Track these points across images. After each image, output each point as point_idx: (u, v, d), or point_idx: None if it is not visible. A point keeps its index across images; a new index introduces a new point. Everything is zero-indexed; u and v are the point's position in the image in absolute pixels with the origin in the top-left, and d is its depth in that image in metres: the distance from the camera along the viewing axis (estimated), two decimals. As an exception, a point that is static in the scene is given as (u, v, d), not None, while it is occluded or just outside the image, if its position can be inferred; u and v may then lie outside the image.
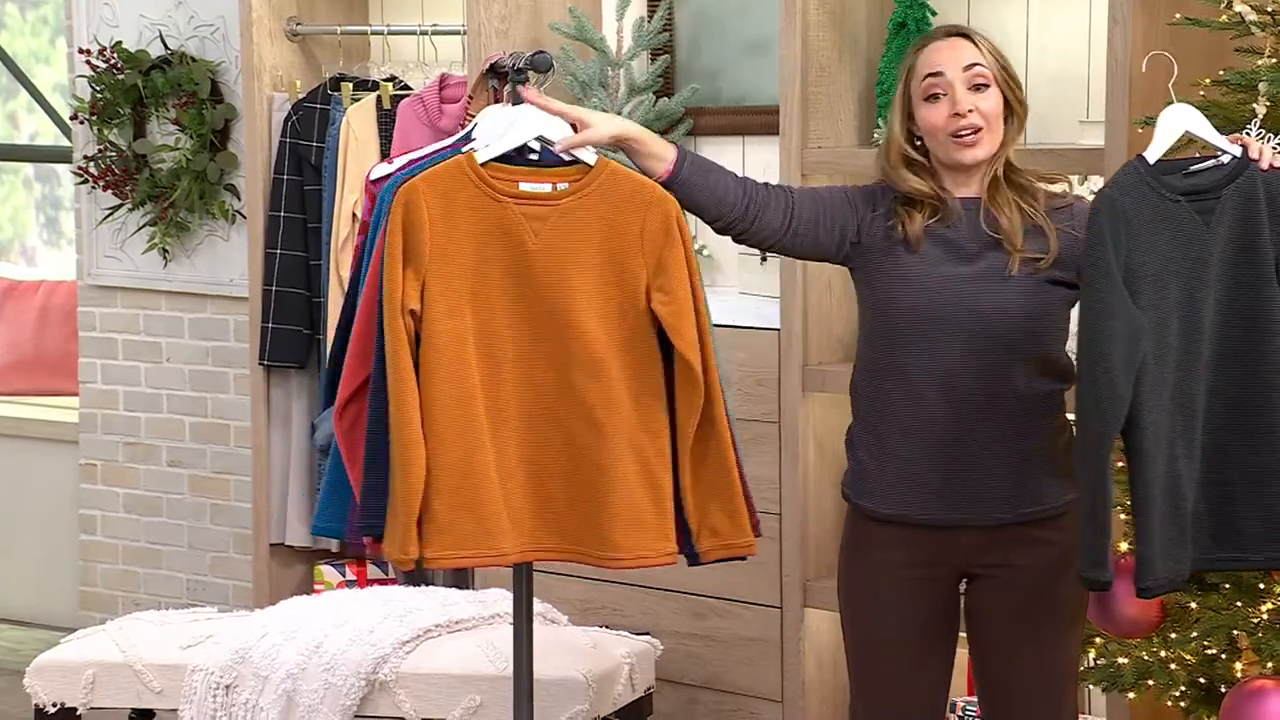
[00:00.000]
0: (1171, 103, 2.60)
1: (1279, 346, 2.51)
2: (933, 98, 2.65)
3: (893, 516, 2.68)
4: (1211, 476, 2.53)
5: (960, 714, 3.46)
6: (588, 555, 2.62)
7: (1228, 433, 2.52)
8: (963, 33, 2.68)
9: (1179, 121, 2.59)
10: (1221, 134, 2.78)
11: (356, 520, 2.65)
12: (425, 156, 2.74)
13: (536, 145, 2.65)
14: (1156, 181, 2.53)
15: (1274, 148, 2.59)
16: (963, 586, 2.72)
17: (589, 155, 2.63)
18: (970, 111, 2.63)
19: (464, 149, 2.68)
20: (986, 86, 2.64)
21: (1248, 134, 2.74)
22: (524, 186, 2.61)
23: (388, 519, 2.60)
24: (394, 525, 2.59)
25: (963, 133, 2.64)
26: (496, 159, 2.62)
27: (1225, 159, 2.56)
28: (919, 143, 2.69)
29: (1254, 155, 2.54)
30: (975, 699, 3.46)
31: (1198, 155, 2.59)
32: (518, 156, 2.64)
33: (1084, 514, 2.48)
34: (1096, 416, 2.46)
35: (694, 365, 2.58)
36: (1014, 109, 2.68)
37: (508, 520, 2.60)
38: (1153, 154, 2.55)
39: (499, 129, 2.64)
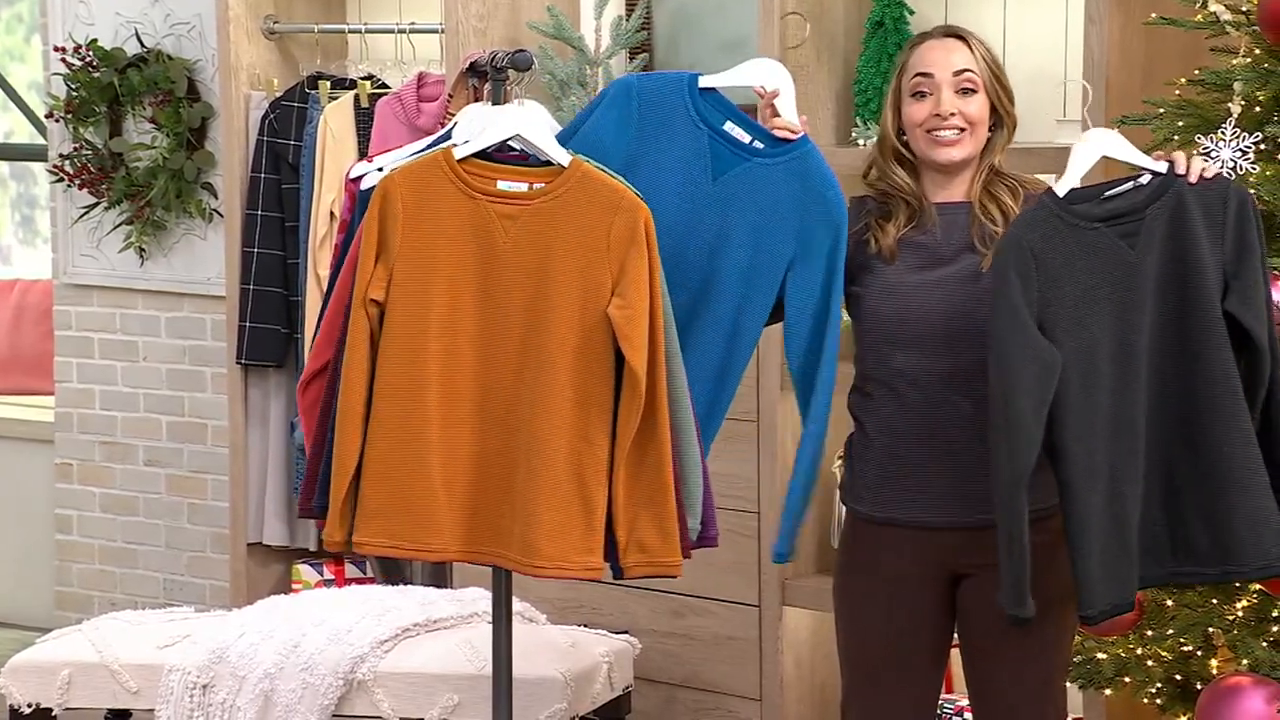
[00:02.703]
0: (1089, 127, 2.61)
1: (1223, 361, 2.50)
2: (919, 95, 2.68)
3: (881, 518, 2.70)
4: (1166, 492, 2.52)
5: (938, 711, 3.47)
6: (512, 560, 2.60)
7: (1177, 449, 2.52)
8: (959, 34, 2.71)
9: (1094, 148, 2.57)
10: (1200, 134, 2.80)
11: (305, 496, 2.68)
12: (407, 159, 2.74)
13: (516, 145, 2.65)
14: (1067, 213, 2.51)
15: (1204, 158, 2.56)
16: (959, 587, 2.73)
17: (564, 156, 2.63)
18: (953, 114, 2.66)
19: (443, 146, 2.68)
20: (974, 92, 2.67)
21: (1222, 133, 2.75)
22: (501, 185, 2.61)
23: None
24: (329, 508, 2.61)
25: (941, 132, 2.66)
26: (481, 156, 2.62)
27: (1145, 179, 2.53)
28: (906, 137, 2.72)
29: (1180, 170, 2.53)
30: (954, 696, 3.48)
31: (1117, 178, 2.57)
32: (501, 155, 2.64)
33: (1003, 554, 2.49)
34: (1009, 462, 2.47)
35: (639, 374, 2.55)
36: (1002, 116, 2.70)
37: (447, 517, 2.60)
38: (1062, 186, 2.54)
39: (478, 127, 2.64)
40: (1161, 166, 2.54)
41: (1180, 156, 2.55)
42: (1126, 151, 2.57)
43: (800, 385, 2.69)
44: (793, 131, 2.67)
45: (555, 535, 2.56)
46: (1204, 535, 2.51)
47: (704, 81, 2.70)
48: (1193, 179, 2.53)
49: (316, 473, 2.66)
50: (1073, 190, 2.54)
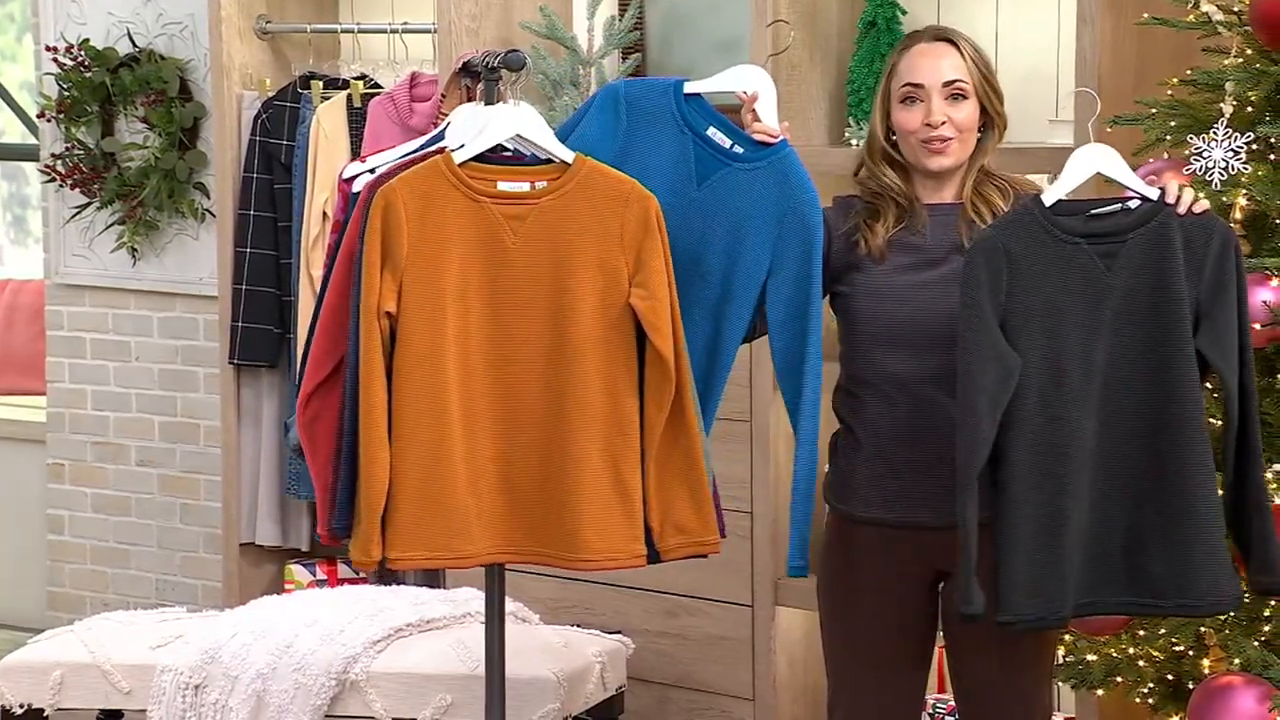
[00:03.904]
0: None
1: (1194, 394, 2.49)
2: (909, 100, 2.69)
3: (867, 518, 2.70)
4: (1128, 520, 2.52)
5: (931, 711, 3.47)
6: (556, 557, 2.61)
7: (1139, 477, 2.51)
8: (948, 38, 2.71)
9: (1089, 163, 2.55)
10: (1192, 134, 2.80)
11: (328, 520, 2.64)
12: (400, 159, 2.74)
13: (510, 145, 2.65)
14: (1050, 223, 2.51)
15: (1196, 191, 2.55)
16: (940, 587, 2.73)
17: (567, 153, 2.63)
18: (943, 123, 2.66)
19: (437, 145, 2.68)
20: (964, 98, 2.67)
21: (1214, 133, 2.76)
22: (502, 186, 2.61)
23: (356, 520, 2.60)
24: (358, 526, 2.59)
25: (932, 141, 2.67)
26: (474, 158, 2.62)
27: (1134, 203, 2.53)
28: (896, 138, 2.73)
29: (1171, 200, 2.52)
30: (946, 696, 3.48)
31: (1106, 197, 2.56)
32: (494, 155, 2.64)
33: (963, 547, 2.47)
34: (963, 459, 2.48)
35: (668, 361, 2.58)
36: (992, 118, 2.70)
37: (477, 522, 2.60)
38: (1050, 196, 2.53)
39: (474, 128, 2.64)
40: (1154, 193, 2.53)
41: (1173, 185, 2.54)
42: (1121, 172, 2.56)
43: (788, 391, 2.69)
44: (771, 136, 2.68)
45: (599, 528, 2.58)
46: (1161, 565, 2.50)
47: (689, 87, 2.70)
48: (1181, 210, 2.52)
49: (333, 494, 2.62)
50: (1060, 201, 2.53)
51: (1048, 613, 2.50)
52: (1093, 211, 2.52)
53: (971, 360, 2.48)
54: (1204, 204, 2.54)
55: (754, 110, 2.69)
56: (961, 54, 2.69)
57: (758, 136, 2.68)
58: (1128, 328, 2.51)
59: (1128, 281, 2.51)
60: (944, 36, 2.71)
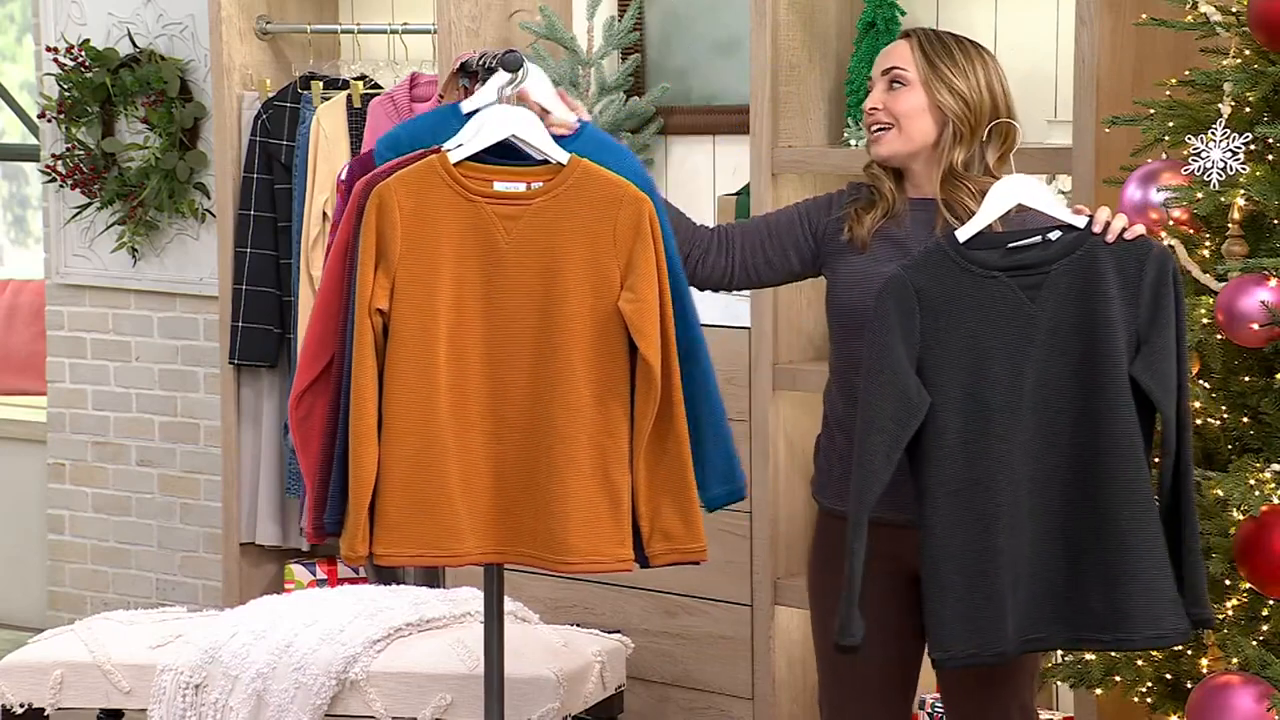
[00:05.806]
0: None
1: (1124, 423, 2.46)
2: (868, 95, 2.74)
3: (838, 511, 2.70)
4: (1067, 553, 2.49)
5: (929, 710, 3.48)
6: (541, 558, 2.61)
7: (1074, 511, 2.48)
8: (907, 34, 2.72)
9: (1009, 195, 2.53)
10: (1190, 135, 2.80)
11: (316, 518, 2.64)
12: (398, 159, 2.74)
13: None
14: (965, 258, 2.49)
15: (1126, 217, 2.52)
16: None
17: (562, 154, 2.64)
18: (876, 109, 2.68)
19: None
20: (903, 85, 2.67)
21: (1212, 134, 2.76)
22: (498, 186, 2.62)
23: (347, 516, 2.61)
24: (346, 522, 2.60)
25: (871, 128, 2.69)
26: (471, 158, 2.63)
27: (1054, 235, 2.50)
28: None
29: (1097, 229, 2.50)
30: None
31: (1028, 229, 2.53)
32: (490, 155, 2.65)
33: (847, 581, 2.45)
34: (856, 495, 2.46)
35: (653, 366, 2.57)
36: (949, 118, 2.66)
37: (467, 521, 2.60)
38: (964, 231, 2.51)
39: (470, 128, 2.65)
40: (1080, 221, 2.51)
41: (1102, 214, 2.52)
42: (1044, 202, 2.53)
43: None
44: (569, 128, 2.66)
45: (584, 530, 2.57)
46: (1100, 599, 2.47)
47: (466, 106, 2.66)
48: (1110, 238, 2.50)
49: (323, 493, 2.62)
50: (979, 235, 2.51)
51: (980, 649, 2.46)
52: (1011, 245, 2.50)
53: (871, 399, 2.47)
54: (1137, 230, 2.51)
55: (538, 104, 2.66)
56: (911, 46, 2.69)
57: (557, 130, 2.64)
58: (1056, 359, 2.48)
59: (1054, 312, 2.48)
60: (903, 34, 2.73)
